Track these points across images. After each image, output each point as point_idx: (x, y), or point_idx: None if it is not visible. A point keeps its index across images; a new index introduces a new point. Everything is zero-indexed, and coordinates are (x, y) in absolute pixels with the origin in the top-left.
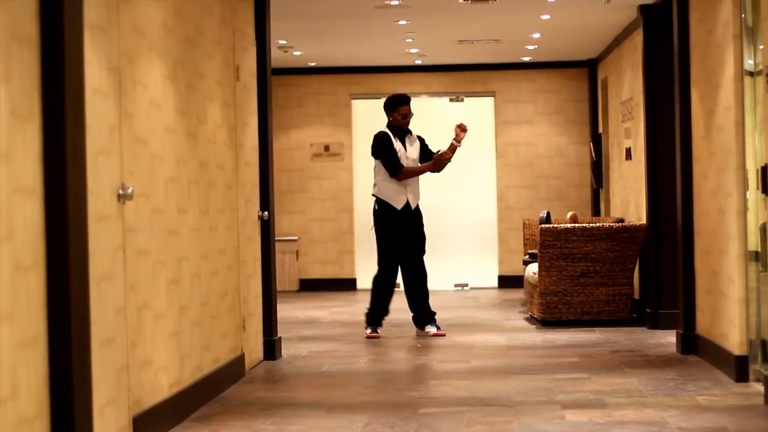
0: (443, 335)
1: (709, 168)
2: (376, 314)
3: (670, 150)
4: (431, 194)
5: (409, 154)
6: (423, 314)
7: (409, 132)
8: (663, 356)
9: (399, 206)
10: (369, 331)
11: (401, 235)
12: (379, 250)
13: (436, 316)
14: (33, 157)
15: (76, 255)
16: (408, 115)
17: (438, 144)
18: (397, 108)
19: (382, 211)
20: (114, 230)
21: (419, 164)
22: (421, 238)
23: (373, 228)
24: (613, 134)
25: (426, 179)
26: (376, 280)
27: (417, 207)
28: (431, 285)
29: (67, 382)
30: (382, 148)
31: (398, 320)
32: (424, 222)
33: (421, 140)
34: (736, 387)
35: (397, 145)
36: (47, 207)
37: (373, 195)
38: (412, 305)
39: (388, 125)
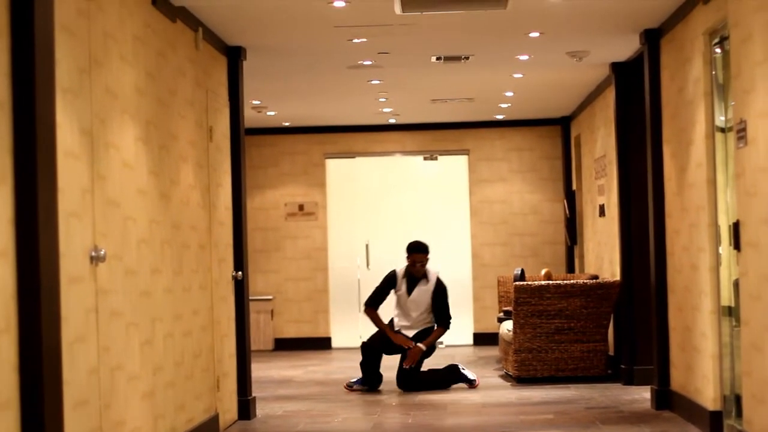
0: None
1: (682, 224)
2: (363, 372)
3: (643, 206)
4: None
5: (412, 297)
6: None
7: (425, 278)
8: (638, 412)
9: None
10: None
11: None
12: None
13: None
14: (5, 220)
15: (49, 317)
16: (416, 263)
17: (415, 201)
18: (409, 255)
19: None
20: (86, 292)
21: (425, 308)
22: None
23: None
24: (586, 191)
25: (403, 237)
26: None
27: (416, 334)
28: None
29: None
30: (381, 281)
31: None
32: None
33: (438, 286)
34: None
35: (402, 285)
36: (19, 269)
37: None
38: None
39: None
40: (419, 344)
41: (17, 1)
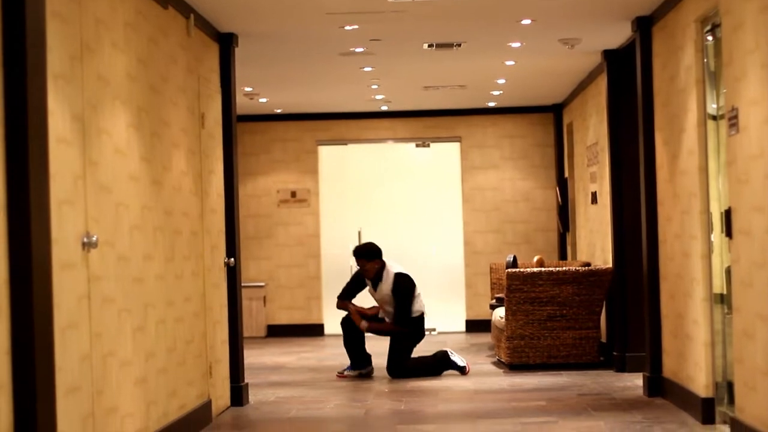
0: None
1: (674, 211)
2: (348, 351)
3: (635, 194)
4: (398, 239)
5: (377, 295)
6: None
7: (380, 279)
8: (630, 399)
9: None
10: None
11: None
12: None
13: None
14: None
15: (41, 303)
16: (361, 269)
17: (408, 188)
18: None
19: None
20: (79, 278)
21: (392, 304)
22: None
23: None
24: (578, 178)
25: (396, 224)
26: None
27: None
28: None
29: (32, 431)
30: (351, 277)
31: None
32: None
33: (395, 285)
34: (703, 429)
35: (370, 283)
36: (11, 255)
37: None
38: None
39: None
40: (364, 322)
41: None
